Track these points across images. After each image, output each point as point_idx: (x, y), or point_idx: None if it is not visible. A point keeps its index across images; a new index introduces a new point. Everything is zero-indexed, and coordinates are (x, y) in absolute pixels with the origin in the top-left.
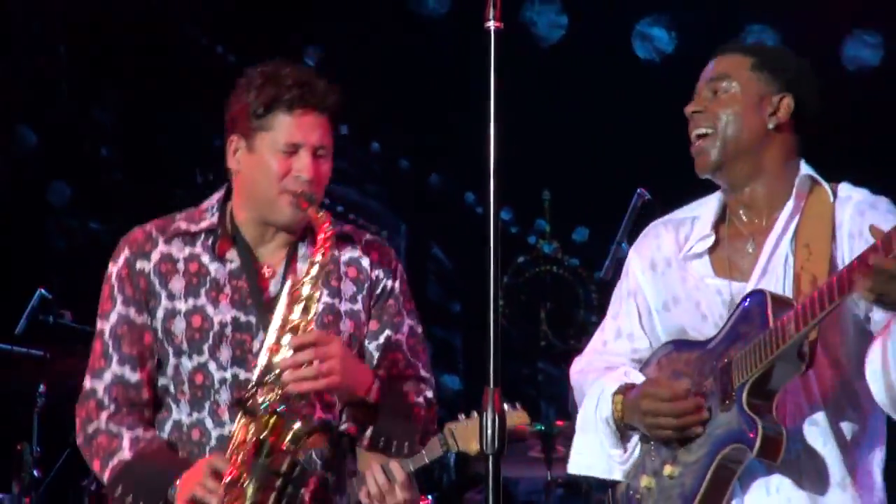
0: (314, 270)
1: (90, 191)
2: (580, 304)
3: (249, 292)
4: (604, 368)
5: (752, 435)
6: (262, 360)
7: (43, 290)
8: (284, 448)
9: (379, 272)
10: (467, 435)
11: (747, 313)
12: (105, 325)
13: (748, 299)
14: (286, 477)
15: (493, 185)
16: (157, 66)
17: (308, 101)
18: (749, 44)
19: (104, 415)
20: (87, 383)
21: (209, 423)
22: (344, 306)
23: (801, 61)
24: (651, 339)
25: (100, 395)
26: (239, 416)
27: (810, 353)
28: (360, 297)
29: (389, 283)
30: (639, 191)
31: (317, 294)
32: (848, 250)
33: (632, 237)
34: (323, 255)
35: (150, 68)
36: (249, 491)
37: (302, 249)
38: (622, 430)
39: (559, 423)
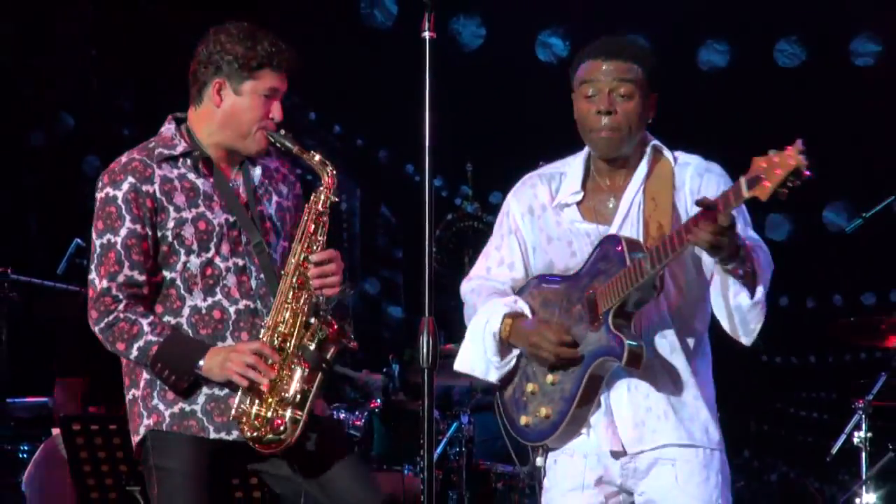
0: (320, 206)
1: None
2: None
3: (228, 200)
4: (492, 292)
5: (619, 349)
6: (290, 268)
7: (78, 240)
8: (332, 340)
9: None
10: None
11: (606, 253)
12: (116, 238)
13: (605, 242)
14: (329, 365)
15: (428, 159)
16: (163, 62)
17: (287, 63)
18: (639, 49)
19: (120, 306)
20: (102, 283)
21: (225, 303)
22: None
23: (653, 54)
24: (527, 270)
25: (114, 292)
26: (281, 309)
27: (661, 283)
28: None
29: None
30: (540, 163)
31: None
32: (690, 204)
33: None
34: (326, 197)
35: (159, 64)
36: (298, 373)
37: (250, 170)
38: (504, 345)
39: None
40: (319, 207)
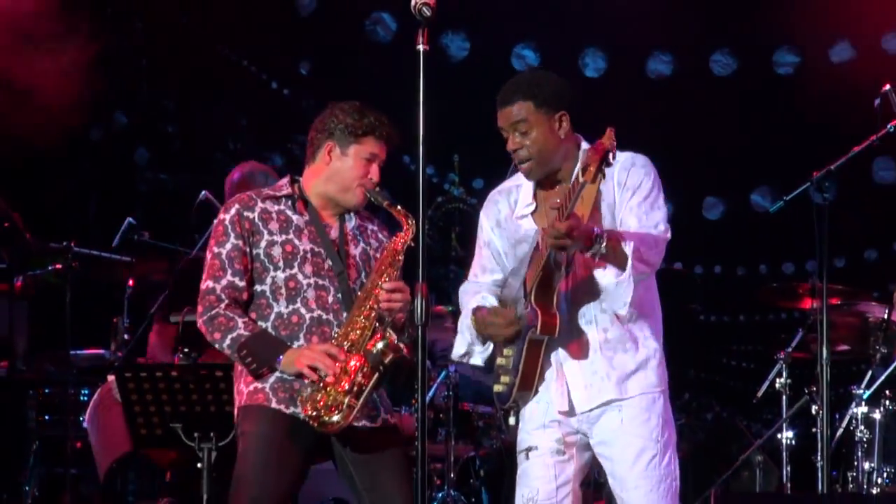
0: (398, 246)
1: (161, 154)
2: (476, 228)
3: (320, 237)
4: (474, 293)
5: (535, 320)
6: (368, 285)
7: (130, 219)
8: (392, 346)
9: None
10: None
11: (536, 245)
12: (222, 250)
13: (538, 235)
14: (385, 368)
15: (422, 151)
16: (201, 70)
17: (386, 135)
18: (526, 86)
19: (222, 305)
20: (209, 284)
21: (303, 311)
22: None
23: (557, 80)
24: (503, 269)
25: (218, 292)
26: (353, 320)
27: (566, 265)
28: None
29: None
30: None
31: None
32: (619, 196)
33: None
34: (409, 230)
35: (197, 72)
36: (360, 370)
37: (346, 220)
38: (479, 334)
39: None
40: (398, 247)
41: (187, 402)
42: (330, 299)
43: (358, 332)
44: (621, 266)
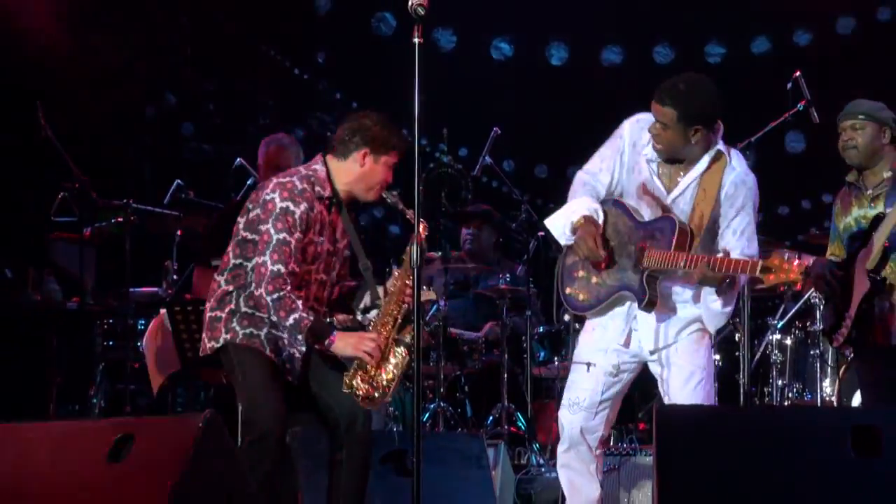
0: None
1: (203, 127)
2: (462, 188)
3: (349, 232)
4: (590, 190)
5: (643, 296)
6: (394, 290)
7: (179, 181)
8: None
9: None
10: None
11: (663, 228)
12: (292, 238)
13: (665, 219)
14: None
15: (417, 125)
16: (236, 58)
17: (404, 147)
18: (681, 96)
19: (288, 287)
20: (279, 268)
21: (307, 295)
22: None
23: (706, 99)
24: (615, 182)
25: (285, 276)
26: (386, 315)
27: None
28: None
29: None
30: (495, 129)
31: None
32: (724, 203)
33: (492, 154)
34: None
35: (233, 59)
36: (392, 356)
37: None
38: (574, 229)
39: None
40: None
41: None
42: (325, 293)
43: (389, 324)
44: (723, 297)
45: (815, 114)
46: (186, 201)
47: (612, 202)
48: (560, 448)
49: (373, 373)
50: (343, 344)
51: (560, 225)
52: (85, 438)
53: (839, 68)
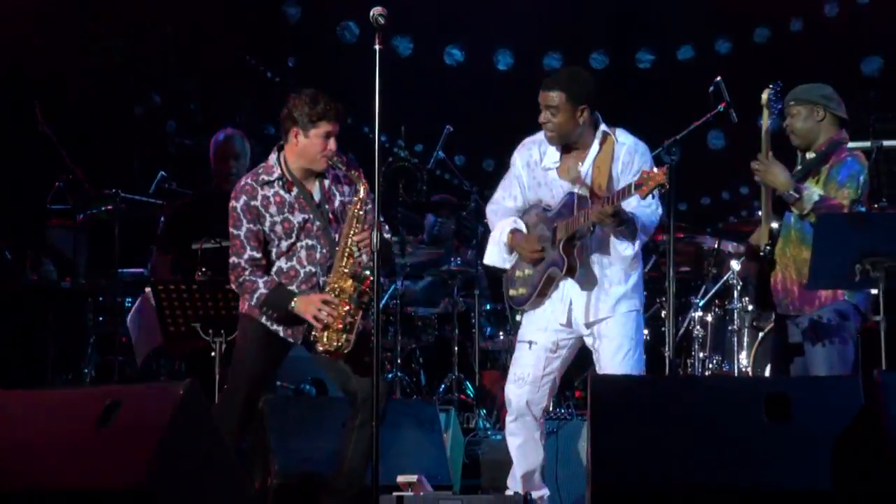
0: (358, 207)
1: (185, 125)
2: (417, 180)
3: (308, 204)
4: (503, 214)
5: (563, 263)
6: (343, 243)
7: (162, 172)
8: (366, 289)
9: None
10: None
11: (567, 203)
12: (239, 232)
13: (568, 196)
14: (366, 304)
15: (377, 123)
16: (217, 62)
17: (335, 115)
18: (565, 81)
19: (246, 273)
20: (234, 260)
21: (297, 266)
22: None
23: (588, 81)
24: (525, 201)
25: (242, 265)
26: (338, 270)
27: (591, 227)
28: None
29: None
30: (447, 127)
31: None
32: (622, 174)
33: (444, 150)
34: (364, 192)
35: (214, 63)
36: (347, 309)
37: (323, 181)
38: (509, 247)
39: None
40: (357, 208)
41: (204, 308)
42: (318, 255)
43: (342, 279)
44: (632, 239)
45: (734, 114)
46: (169, 191)
47: (529, 210)
48: (508, 419)
49: (335, 331)
50: (302, 308)
51: (496, 252)
52: (77, 404)
53: (756, 73)
